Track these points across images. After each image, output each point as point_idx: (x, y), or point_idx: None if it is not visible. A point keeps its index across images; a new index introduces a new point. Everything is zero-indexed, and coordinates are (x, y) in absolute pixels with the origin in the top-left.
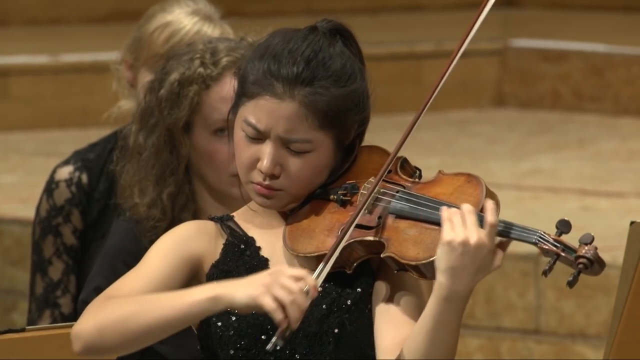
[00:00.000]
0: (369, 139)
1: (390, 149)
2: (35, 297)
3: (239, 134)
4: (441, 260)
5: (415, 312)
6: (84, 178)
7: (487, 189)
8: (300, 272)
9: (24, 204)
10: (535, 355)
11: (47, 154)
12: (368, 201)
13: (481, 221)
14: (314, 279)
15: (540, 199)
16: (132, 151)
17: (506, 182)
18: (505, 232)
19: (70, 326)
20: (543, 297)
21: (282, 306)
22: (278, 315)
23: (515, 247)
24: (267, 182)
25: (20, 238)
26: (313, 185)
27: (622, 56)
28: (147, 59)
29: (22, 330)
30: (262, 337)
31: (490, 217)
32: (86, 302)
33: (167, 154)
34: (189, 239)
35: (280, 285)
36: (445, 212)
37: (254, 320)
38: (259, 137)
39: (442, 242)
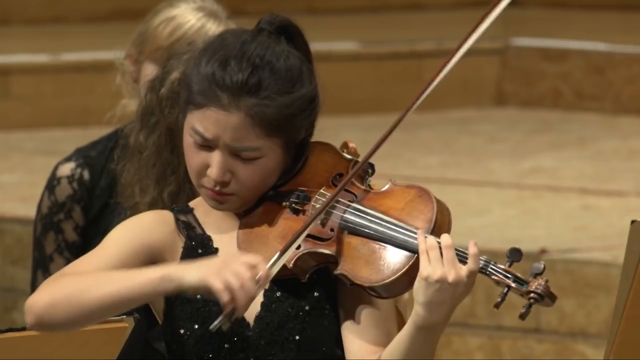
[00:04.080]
0: (370, 138)
1: (390, 148)
2: None
3: (188, 139)
4: (419, 293)
5: (380, 314)
6: (86, 175)
7: (439, 204)
8: (254, 259)
9: (24, 203)
10: (536, 354)
11: (47, 153)
12: (326, 215)
13: (459, 256)
14: (267, 267)
15: (541, 198)
16: (133, 150)
17: (507, 181)
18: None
19: None
20: None
21: (230, 289)
22: (225, 297)
23: (515, 245)
24: (217, 188)
25: (21, 237)
26: (265, 187)
27: (622, 55)
28: (151, 52)
29: (23, 329)
30: (226, 345)
31: (472, 264)
32: None
33: (167, 153)
34: (149, 229)
35: (232, 269)
36: (422, 244)
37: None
38: (207, 144)
39: (419, 276)
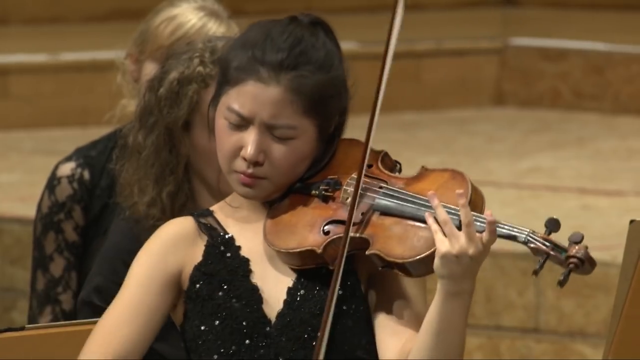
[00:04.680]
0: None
1: (390, 148)
2: (37, 294)
3: (221, 122)
4: (439, 269)
5: (413, 317)
6: (86, 174)
7: (473, 185)
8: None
9: (23, 203)
10: (535, 354)
11: (46, 153)
12: (358, 198)
13: (477, 222)
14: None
15: (539, 197)
16: (132, 150)
17: (506, 181)
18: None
19: (70, 324)
20: (543, 296)
21: None
22: None
23: (515, 245)
24: (250, 170)
25: (20, 237)
26: (295, 174)
27: (621, 55)
28: (152, 51)
29: (22, 329)
30: (247, 342)
31: (489, 235)
32: (86, 302)
33: (166, 153)
34: (166, 255)
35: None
36: (433, 225)
37: (237, 326)
38: (242, 124)
39: (437, 253)
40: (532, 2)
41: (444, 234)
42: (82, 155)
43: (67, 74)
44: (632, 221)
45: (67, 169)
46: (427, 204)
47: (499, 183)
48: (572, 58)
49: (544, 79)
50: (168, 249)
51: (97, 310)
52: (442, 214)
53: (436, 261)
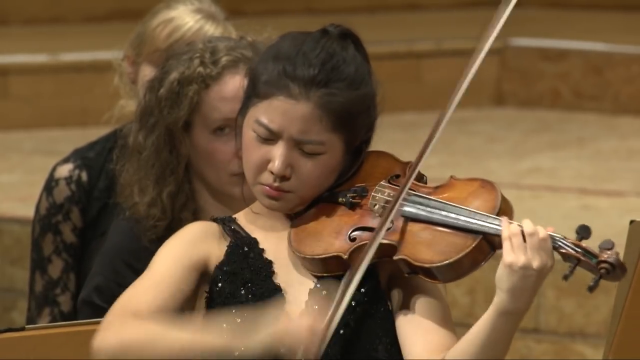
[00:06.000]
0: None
1: (390, 148)
2: (35, 295)
3: (249, 134)
4: (502, 280)
5: (439, 315)
6: (84, 176)
7: (502, 194)
8: (310, 321)
9: (23, 203)
10: (535, 354)
11: (46, 153)
12: (394, 209)
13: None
14: (325, 325)
15: (539, 198)
16: (132, 150)
17: (506, 181)
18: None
19: (70, 325)
20: (543, 296)
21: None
22: None
23: None
24: (277, 184)
25: (20, 237)
26: (322, 188)
27: (621, 55)
28: (149, 54)
29: (22, 329)
30: None
31: (541, 233)
32: (86, 301)
33: (167, 153)
34: (195, 242)
35: (294, 337)
36: (505, 230)
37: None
38: (270, 137)
39: (502, 263)
40: (532, 2)
41: (512, 246)
42: (80, 156)
43: (66, 75)
44: (632, 221)
45: (64, 170)
46: (455, 210)
47: (499, 183)
48: (572, 58)
49: (543, 79)
50: (198, 237)
51: (97, 309)
52: (514, 226)
53: (499, 272)
